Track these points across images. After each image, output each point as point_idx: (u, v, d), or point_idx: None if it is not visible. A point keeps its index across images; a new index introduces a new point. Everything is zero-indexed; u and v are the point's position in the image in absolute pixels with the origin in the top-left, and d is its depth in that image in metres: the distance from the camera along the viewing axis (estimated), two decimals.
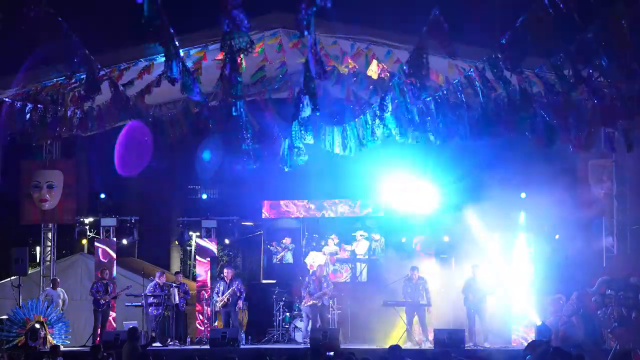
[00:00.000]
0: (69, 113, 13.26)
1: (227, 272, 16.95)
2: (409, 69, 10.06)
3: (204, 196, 20.32)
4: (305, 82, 9.55)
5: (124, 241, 18.95)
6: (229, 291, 16.62)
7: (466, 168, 17.21)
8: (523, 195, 16.91)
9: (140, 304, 16.85)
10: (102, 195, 19.04)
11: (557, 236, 17.11)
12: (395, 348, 10.53)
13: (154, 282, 16.87)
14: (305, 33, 7.75)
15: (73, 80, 12.37)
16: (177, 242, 22.75)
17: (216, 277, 17.59)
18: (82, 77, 11.49)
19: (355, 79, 13.17)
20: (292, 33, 13.12)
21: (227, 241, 19.31)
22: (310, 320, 16.43)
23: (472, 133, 11.53)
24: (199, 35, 13.06)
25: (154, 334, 16.02)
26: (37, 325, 15.76)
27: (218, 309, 16.83)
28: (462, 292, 16.36)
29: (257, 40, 13.09)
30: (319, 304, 16.53)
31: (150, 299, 16.59)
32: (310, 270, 17.36)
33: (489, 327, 16.18)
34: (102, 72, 11.71)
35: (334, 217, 19.12)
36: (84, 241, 19.68)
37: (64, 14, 10.09)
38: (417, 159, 16.98)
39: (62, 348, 15.46)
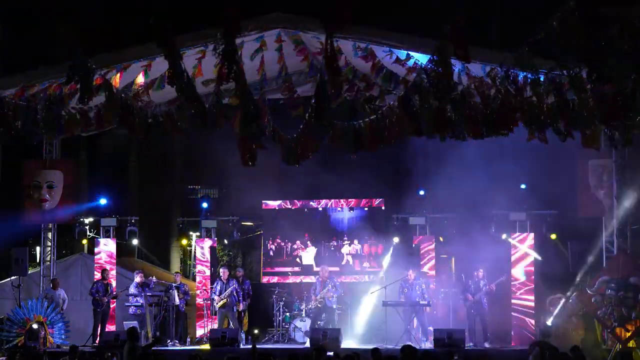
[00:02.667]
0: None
1: (223, 272, 16.99)
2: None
3: (204, 198, 20.28)
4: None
5: (134, 241, 18.96)
6: (227, 291, 16.65)
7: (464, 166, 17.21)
8: (523, 186, 16.96)
9: (139, 304, 16.88)
10: (103, 201, 18.92)
11: (553, 236, 17.03)
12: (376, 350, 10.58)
13: (134, 282, 17.04)
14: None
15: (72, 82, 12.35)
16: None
17: (215, 277, 17.58)
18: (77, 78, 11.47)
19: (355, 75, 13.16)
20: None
21: (225, 241, 19.23)
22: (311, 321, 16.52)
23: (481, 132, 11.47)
24: (199, 35, 13.04)
25: (158, 334, 16.06)
26: (35, 326, 15.74)
27: (217, 309, 16.88)
28: (462, 293, 16.37)
29: (257, 40, 13.15)
30: (320, 305, 16.58)
31: (134, 300, 16.75)
32: None
33: (489, 327, 16.19)
34: (97, 74, 11.67)
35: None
36: (84, 241, 19.64)
37: (61, 14, 10.09)
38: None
39: (62, 348, 15.50)
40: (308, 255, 18.74)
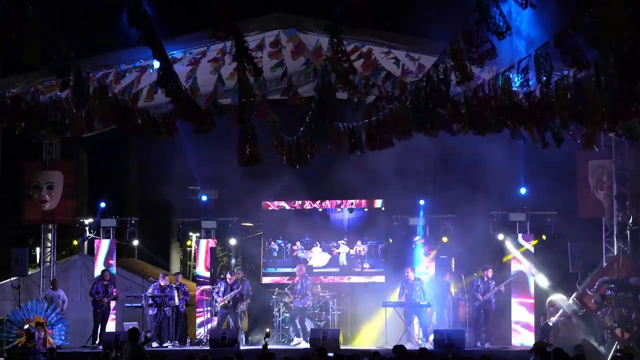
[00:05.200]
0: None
1: (230, 278, 16.88)
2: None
3: (204, 197, 20.24)
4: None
5: (135, 242, 18.90)
6: (231, 293, 16.63)
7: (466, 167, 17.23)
8: (523, 190, 16.95)
9: (140, 304, 16.85)
10: (103, 204, 18.84)
11: (543, 236, 16.99)
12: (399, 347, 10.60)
13: (156, 283, 16.87)
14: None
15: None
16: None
17: (216, 277, 17.53)
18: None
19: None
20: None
21: (232, 241, 19.18)
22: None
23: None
24: (200, 35, 13.03)
25: (148, 335, 15.97)
26: (26, 326, 15.70)
27: (218, 309, 16.87)
28: (466, 293, 16.37)
29: (257, 41, 13.12)
30: (293, 305, 16.66)
31: (150, 300, 16.62)
32: None
33: (489, 327, 16.19)
34: (91, 76, 11.62)
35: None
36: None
37: (56, 16, 10.02)
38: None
39: (62, 349, 15.50)
40: (316, 258, 18.63)
